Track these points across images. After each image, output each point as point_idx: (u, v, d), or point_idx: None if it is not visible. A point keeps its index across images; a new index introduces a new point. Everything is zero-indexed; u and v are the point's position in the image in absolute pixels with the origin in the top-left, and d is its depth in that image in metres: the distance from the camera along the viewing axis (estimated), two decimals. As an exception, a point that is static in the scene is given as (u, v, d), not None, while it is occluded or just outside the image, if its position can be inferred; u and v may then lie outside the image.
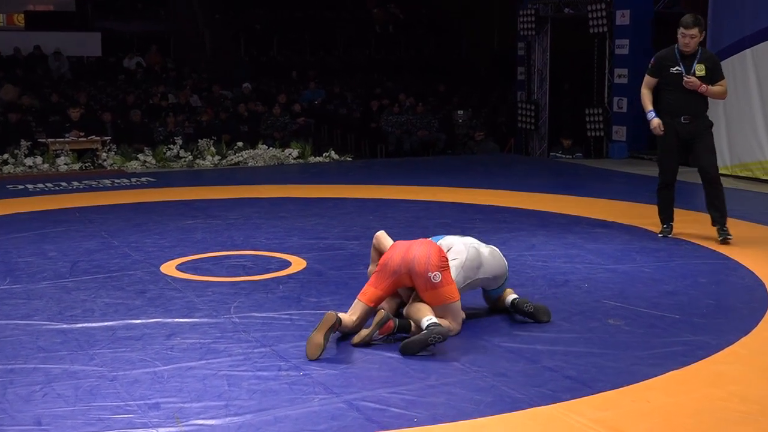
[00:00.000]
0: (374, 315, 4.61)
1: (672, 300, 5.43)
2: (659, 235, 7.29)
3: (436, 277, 4.56)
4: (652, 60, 7.16)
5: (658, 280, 5.92)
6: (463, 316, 4.76)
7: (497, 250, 5.10)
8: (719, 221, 7.11)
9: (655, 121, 7.05)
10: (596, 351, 4.46)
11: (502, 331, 4.81)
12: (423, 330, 4.44)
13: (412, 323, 4.58)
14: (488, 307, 5.17)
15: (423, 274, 4.57)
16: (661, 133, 7.06)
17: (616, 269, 6.25)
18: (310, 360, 4.32)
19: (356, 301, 4.71)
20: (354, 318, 4.64)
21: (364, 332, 4.54)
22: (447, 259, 4.66)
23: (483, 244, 5.08)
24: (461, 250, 4.91)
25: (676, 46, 7.00)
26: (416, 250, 4.63)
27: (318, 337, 4.39)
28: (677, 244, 7.05)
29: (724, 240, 7.01)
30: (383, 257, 4.74)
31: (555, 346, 4.53)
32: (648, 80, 7.14)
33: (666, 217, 7.33)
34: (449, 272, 4.66)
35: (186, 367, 4.23)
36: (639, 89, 7.22)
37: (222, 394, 3.89)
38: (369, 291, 4.70)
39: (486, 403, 3.78)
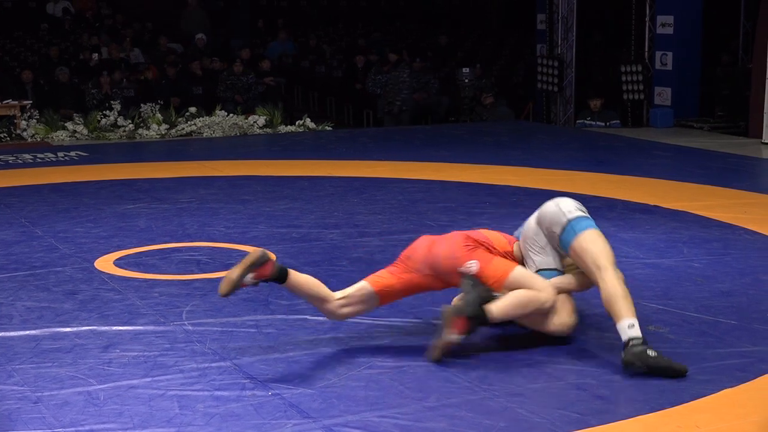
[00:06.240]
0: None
1: (728, 302, 5.46)
2: None
3: (472, 268, 4.65)
4: None
5: (711, 278, 5.96)
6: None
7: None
8: None
9: None
10: (634, 365, 4.48)
11: (518, 340, 4.83)
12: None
13: None
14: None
15: (453, 272, 4.68)
16: None
17: (659, 264, 6.28)
18: (221, 296, 4.35)
19: (361, 281, 4.78)
20: (338, 294, 4.67)
21: (235, 272, 4.38)
22: (473, 242, 4.73)
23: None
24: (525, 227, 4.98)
25: None
26: (439, 247, 4.75)
27: (234, 272, 4.35)
28: (734, 233, 7.08)
29: None
30: (407, 250, 4.83)
31: (583, 359, 4.55)
32: None
33: None
34: (483, 252, 4.72)
35: (127, 385, 4.23)
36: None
37: (172, 419, 3.90)
38: (383, 275, 4.78)
39: (498, 429, 3.81)
